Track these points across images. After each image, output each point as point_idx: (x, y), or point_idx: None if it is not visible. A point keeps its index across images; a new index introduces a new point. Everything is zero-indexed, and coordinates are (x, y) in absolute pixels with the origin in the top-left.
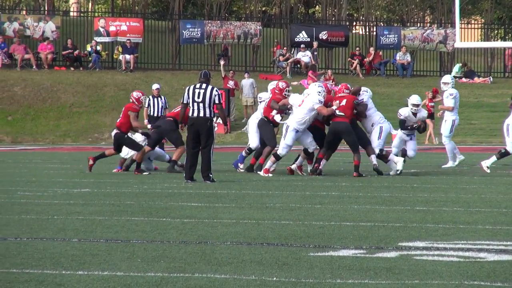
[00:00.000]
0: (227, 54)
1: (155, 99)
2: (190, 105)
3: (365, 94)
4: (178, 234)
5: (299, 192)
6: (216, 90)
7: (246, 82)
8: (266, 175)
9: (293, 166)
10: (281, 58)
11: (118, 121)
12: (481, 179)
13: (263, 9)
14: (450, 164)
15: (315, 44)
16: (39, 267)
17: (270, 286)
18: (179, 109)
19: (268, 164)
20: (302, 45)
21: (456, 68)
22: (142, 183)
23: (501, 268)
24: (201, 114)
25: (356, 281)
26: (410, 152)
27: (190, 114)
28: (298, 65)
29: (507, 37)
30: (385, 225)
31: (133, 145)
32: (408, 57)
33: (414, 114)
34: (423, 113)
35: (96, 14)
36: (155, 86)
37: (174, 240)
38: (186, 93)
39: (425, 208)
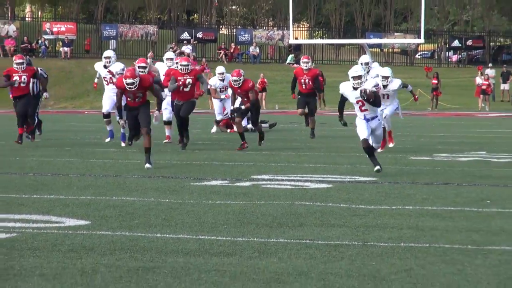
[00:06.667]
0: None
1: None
2: None
3: None
4: (101, 170)
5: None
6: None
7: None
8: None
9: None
10: (171, 50)
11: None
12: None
13: (158, 16)
14: None
15: (192, 40)
16: (5, 192)
17: (163, 205)
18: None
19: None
20: (185, 41)
21: (289, 58)
22: (75, 133)
23: (320, 193)
24: None
25: (222, 202)
26: None
27: None
28: (183, 55)
29: (324, 36)
30: (242, 164)
31: None
32: (257, 50)
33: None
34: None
35: (44, 19)
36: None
37: (98, 174)
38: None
39: (269, 152)
